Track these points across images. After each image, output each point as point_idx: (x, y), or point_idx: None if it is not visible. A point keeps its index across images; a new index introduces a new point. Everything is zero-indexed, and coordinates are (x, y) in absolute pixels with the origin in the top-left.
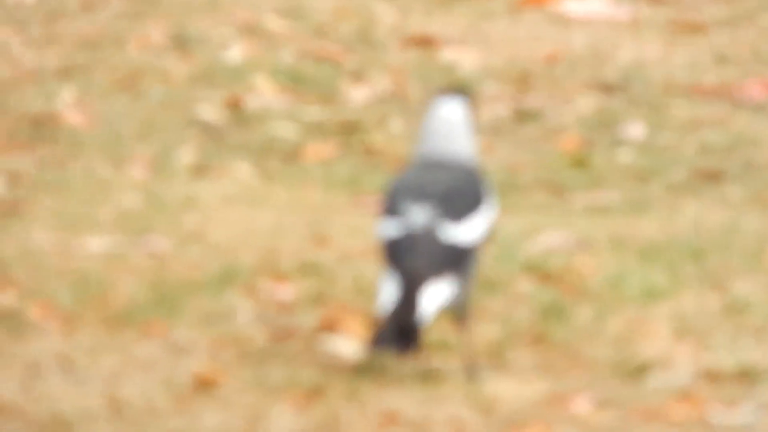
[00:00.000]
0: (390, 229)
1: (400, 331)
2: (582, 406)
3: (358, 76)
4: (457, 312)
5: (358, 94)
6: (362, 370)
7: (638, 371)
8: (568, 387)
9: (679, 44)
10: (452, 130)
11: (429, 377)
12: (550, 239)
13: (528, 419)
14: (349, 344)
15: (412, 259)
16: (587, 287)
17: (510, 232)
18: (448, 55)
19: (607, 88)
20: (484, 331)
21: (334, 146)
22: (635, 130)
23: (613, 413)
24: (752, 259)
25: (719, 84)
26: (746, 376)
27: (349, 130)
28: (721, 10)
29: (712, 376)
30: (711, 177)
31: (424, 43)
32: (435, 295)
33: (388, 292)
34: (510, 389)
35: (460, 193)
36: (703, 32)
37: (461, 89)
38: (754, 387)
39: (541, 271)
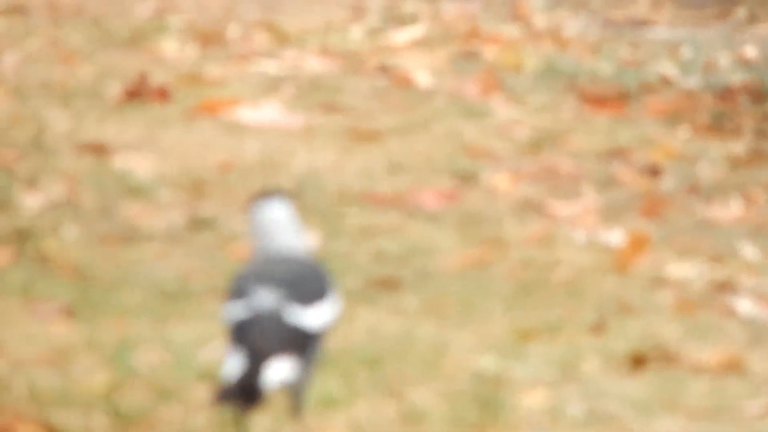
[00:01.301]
0: (236, 310)
1: (243, 392)
2: None
3: (31, 183)
4: (294, 395)
5: (31, 201)
6: None
7: None
8: None
9: (354, 152)
10: (282, 228)
11: None
12: (223, 347)
13: None
14: None
15: (258, 337)
16: (268, 396)
17: (184, 340)
18: (122, 162)
19: None
20: None
21: (8, 254)
22: (309, 238)
23: None
24: (428, 367)
25: (393, 192)
26: None
27: (22, 238)
28: (395, 119)
29: None
30: (386, 285)
31: (98, 150)
32: (277, 371)
33: (232, 366)
34: None
35: (306, 279)
36: (378, 140)
37: (279, 191)
38: None
39: (216, 380)
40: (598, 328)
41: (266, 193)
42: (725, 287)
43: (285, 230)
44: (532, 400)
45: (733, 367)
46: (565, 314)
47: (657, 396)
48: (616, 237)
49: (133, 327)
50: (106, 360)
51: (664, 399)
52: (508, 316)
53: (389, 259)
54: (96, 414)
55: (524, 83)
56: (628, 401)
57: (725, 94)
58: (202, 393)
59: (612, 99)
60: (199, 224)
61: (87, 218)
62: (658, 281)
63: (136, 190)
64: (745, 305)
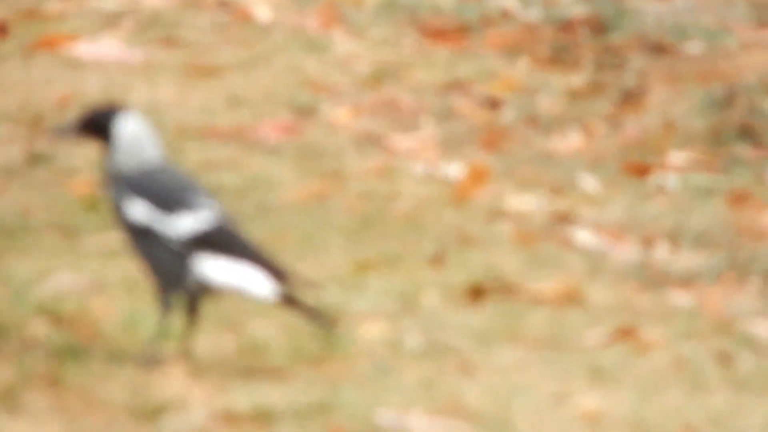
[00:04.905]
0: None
1: None
2: None
3: None
4: None
5: None
6: None
7: (154, 413)
8: (83, 430)
9: (194, 87)
10: (144, 142)
11: None
12: (63, 282)
13: None
14: None
15: None
16: (102, 329)
17: (22, 275)
18: None
19: None
20: None
21: None
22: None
23: None
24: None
25: (233, 126)
26: (262, 417)
27: None
28: (235, 53)
29: (229, 418)
30: None
31: None
32: None
33: None
34: None
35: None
36: (218, 75)
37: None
38: (270, 427)
39: (54, 314)
40: (438, 260)
41: (118, 108)
42: (564, 218)
43: (147, 144)
44: (372, 331)
45: (572, 298)
46: (405, 246)
47: (496, 327)
48: (455, 169)
49: None
50: None
51: (503, 330)
52: (348, 249)
53: (229, 192)
54: None
55: (365, 17)
56: (467, 332)
57: (565, 26)
58: (39, 328)
59: (452, 32)
60: (37, 159)
61: None
62: (498, 213)
63: None
64: (583, 236)
